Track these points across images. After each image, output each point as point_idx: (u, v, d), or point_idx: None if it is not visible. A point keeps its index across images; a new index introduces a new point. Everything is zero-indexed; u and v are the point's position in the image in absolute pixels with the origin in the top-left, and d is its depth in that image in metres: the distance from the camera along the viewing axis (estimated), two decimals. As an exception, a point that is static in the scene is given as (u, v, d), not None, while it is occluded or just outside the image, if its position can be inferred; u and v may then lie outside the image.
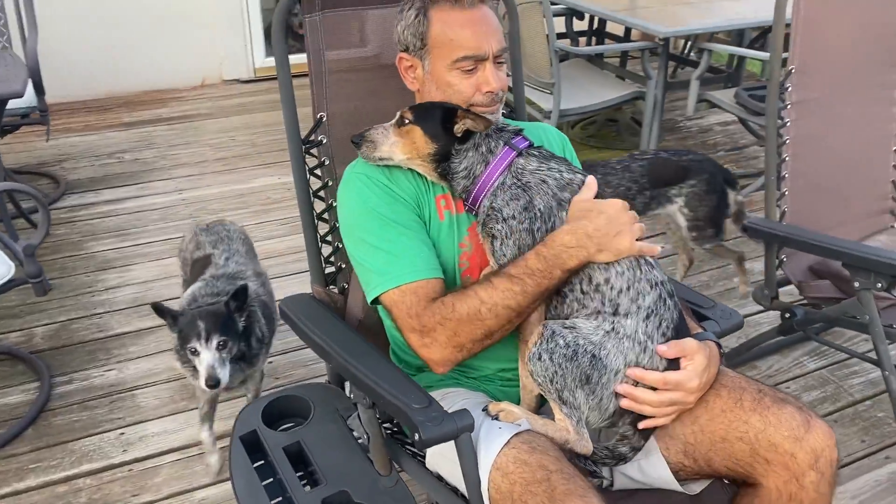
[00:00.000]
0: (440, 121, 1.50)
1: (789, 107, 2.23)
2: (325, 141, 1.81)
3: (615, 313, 1.41)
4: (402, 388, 1.41)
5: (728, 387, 1.47)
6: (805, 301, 2.35)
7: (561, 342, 1.40)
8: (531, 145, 1.53)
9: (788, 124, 2.24)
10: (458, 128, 1.50)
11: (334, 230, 1.83)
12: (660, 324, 1.41)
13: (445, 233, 1.58)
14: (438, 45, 1.54)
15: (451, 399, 1.58)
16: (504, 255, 1.47)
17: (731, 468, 1.43)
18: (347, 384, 1.79)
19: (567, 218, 1.45)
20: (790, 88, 2.21)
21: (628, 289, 1.41)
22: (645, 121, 3.96)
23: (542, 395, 1.49)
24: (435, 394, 1.61)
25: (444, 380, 1.62)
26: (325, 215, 1.85)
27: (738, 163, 4.63)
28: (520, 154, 1.50)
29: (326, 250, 1.87)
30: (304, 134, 1.80)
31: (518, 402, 1.59)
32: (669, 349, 1.39)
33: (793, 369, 2.80)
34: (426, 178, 1.59)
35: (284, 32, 1.75)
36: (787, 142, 2.25)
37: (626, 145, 4.77)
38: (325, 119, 1.80)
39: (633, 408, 1.40)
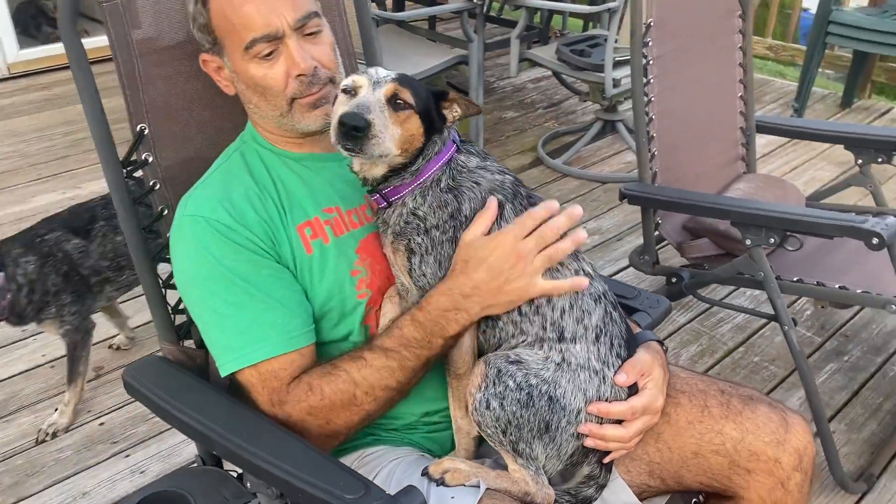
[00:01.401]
0: (435, 107, 1.21)
1: (651, 63, 2.11)
2: (151, 159, 1.40)
3: (561, 339, 1.19)
4: (321, 472, 1.11)
5: (686, 392, 1.30)
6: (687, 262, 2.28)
7: (511, 384, 1.15)
8: (459, 137, 1.27)
9: (652, 81, 2.12)
10: (452, 114, 1.22)
11: (179, 270, 1.44)
12: (612, 344, 1.21)
13: (319, 267, 1.27)
14: (226, 35, 1.25)
15: (375, 462, 1.29)
16: (424, 275, 1.21)
17: (706, 483, 1.28)
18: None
19: (452, 265, 1.20)
20: (650, 43, 2.09)
21: (571, 307, 1.20)
22: (472, 85, 3.78)
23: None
24: (350, 458, 1.32)
25: (359, 438, 1.32)
26: (166, 253, 1.45)
27: (558, 119, 4.61)
28: (458, 149, 1.23)
29: (172, 296, 1.47)
30: (121, 154, 1.38)
31: (450, 448, 1.33)
32: (629, 375, 1.19)
33: (666, 326, 2.77)
34: (281, 207, 1.28)
35: (74, 19, 1.30)
36: (653, 100, 2.13)
37: (447, 112, 4.58)
38: (147, 131, 1.39)
39: (600, 447, 1.20)
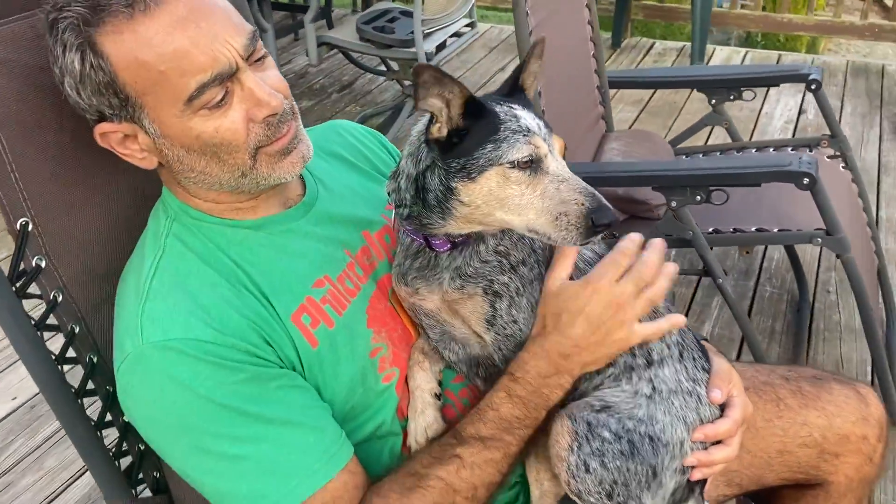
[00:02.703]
0: None
1: (531, 33, 1.97)
2: (45, 264, 1.00)
3: (650, 363, 1.04)
4: None
5: (750, 388, 1.20)
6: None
7: (607, 435, 0.98)
8: None
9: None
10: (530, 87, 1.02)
11: (112, 402, 1.06)
12: (694, 358, 1.08)
13: (330, 360, 1.01)
14: (149, 89, 0.90)
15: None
16: (514, 321, 1.00)
17: (789, 478, 1.20)
18: None
19: (536, 319, 1.00)
20: (529, 13, 1.95)
21: None
22: (274, 81, 3.41)
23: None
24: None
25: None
26: (90, 384, 1.06)
27: (358, 102, 4.37)
28: None
29: (108, 434, 1.09)
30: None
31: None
32: (722, 391, 1.06)
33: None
34: (262, 296, 0.98)
35: None
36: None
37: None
38: (31, 227, 0.99)
39: (707, 474, 1.06)
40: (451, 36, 3.65)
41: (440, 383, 1.10)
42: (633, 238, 1.00)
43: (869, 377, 2.23)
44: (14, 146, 0.97)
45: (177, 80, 0.89)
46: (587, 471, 0.97)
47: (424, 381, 1.09)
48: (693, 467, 1.04)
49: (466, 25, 3.77)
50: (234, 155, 0.95)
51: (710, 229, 2.00)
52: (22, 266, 0.98)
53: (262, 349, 0.95)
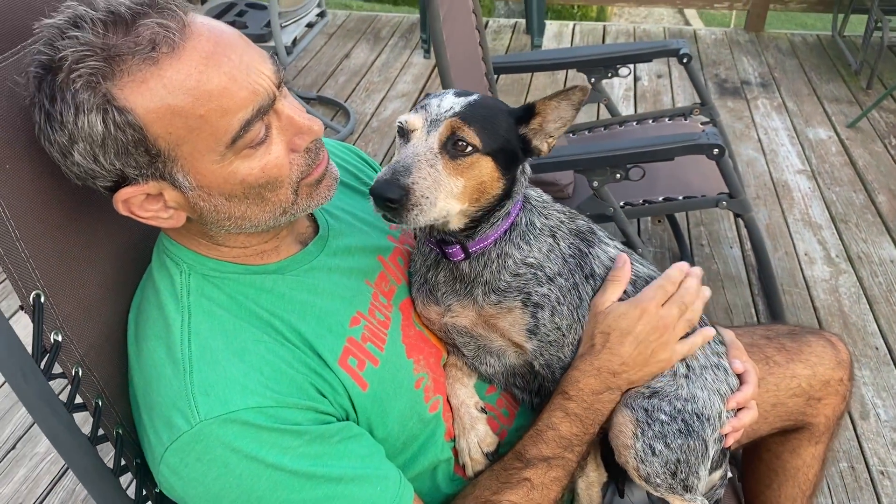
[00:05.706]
0: (515, 132, 0.98)
1: (442, 27, 1.97)
2: (61, 339, 0.89)
3: None
4: None
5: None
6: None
7: (664, 417, 1.06)
8: None
9: (446, 38, 1.99)
10: (546, 141, 1.00)
11: (144, 476, 0.97)
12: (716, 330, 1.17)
13: (381, 398, 0.99)
14: (184, 139, 0.82)
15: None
16: (558, 328, 1.03)
17: (779, 426, 1.33)
18: None
19: (584, 337, 1.06)
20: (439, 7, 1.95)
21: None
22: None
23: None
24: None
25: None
26: (123, 460, 0.96)
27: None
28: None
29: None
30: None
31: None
32: (742, 359, 1.16)
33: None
34: (308, 348, 0.94)
35: None
36: (450, 67, 2.01)
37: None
38: (44, 300, 0.87)
39: (737, 437, 1.16)
40: (305, 27, 3.55)
41: (476, 397, 1.12)
42: (681, 267, 1.10)
43: (754, 318, 2.49)
44: (18, 214, 0.84)
45: (217, 121, 0.82)
46: (653, 454, 1.03)
47: (467, 396, 1.10)
48: (726, 434, 1.13)
49: (318, 15, 3.68)
50: (278, 192, 0.89)
51: (622, 203, 2.12)
52: (42, 344, 0.86)
53: (319, 402, 0.91)
